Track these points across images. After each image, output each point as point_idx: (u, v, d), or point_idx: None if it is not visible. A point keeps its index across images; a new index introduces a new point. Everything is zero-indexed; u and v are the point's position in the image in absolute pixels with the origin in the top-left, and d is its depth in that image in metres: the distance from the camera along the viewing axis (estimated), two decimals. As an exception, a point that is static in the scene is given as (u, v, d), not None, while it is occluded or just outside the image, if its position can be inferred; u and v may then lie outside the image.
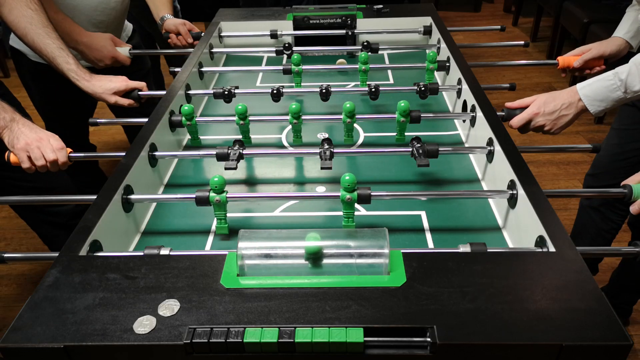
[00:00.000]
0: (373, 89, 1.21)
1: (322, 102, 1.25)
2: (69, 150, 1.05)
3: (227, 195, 0.86)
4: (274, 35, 1.61)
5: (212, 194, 0.86)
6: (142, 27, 2.08)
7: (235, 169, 0.97)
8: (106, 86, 1.24)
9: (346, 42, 1.60)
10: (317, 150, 0.99)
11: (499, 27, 1.70)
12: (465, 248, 0.74)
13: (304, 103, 1.34)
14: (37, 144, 1.01)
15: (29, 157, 1.02)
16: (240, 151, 0.99)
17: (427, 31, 1.62)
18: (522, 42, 1.59)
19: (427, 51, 1.38)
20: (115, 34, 1.53)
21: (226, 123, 1.25)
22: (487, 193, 0.97)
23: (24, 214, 1.56)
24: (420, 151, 0.96)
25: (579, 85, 1.06)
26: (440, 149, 0.97)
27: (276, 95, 1.23)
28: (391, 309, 0.61)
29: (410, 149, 0.99)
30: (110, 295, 0.64)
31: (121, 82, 1.26)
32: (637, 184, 0.85)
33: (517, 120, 1.08)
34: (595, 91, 1.03)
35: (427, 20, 1.64)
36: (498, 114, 1.07)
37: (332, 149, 0.98)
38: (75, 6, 1.40)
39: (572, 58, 1.35)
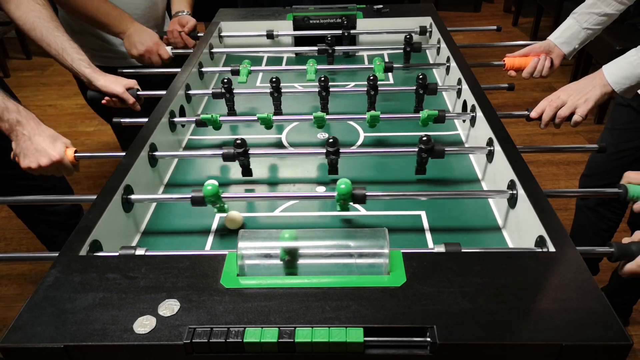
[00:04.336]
0: (372, 92, 1.20)
1: (321, 102, 1.24)
2: (74, 150, 1.04)
3: (223, 195, 0.86)
4: (270, 35, 1.61)
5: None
6: None
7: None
8: (117, 79, 1.26)
9: (342, 43, 1.59)
10: (318, 150, 0.99)
11: (495, 27, 1.70)
12: (439, 248, 0.73)
13: (303, 103, 1.34)
14: (35, 157, 1.00)
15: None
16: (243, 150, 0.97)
17: (423, 31, 1.61)
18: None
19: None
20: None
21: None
22: (487, 193, 0.97)
23: (21, 213, 1.56)
24: (424, 155, 0.94)
25: (604, 66, 1.07)
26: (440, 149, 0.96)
27: (275, 89, 1.21)
28: (391, 309, 0.61)
29: (417, 151, 0.95)
30: (110, 295, 0.64)
31: (128, 81, 1.28)
32: (633, 183, 0.85)
33: (539, 107, 1.08)
34: (620, 68, 1.04)
35: (427, 21, 1.64)
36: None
37: (337, 157, 0.96)
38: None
39: (514, 58, 1.37)
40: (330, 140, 0.93)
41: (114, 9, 1.40)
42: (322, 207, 0.97)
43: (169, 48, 1.48)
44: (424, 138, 0.92)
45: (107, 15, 1.39)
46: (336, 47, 1.51)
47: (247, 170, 1.00)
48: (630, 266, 0.74)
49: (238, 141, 0.95)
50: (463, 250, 0.73)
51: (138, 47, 1.42)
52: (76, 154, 1.04)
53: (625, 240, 0.76)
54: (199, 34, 1.60)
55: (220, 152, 0.98)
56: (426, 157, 0.95)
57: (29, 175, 1.04)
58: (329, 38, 1.49)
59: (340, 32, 1.58)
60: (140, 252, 0.75)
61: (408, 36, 1.47)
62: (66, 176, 1.03)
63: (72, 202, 1.01)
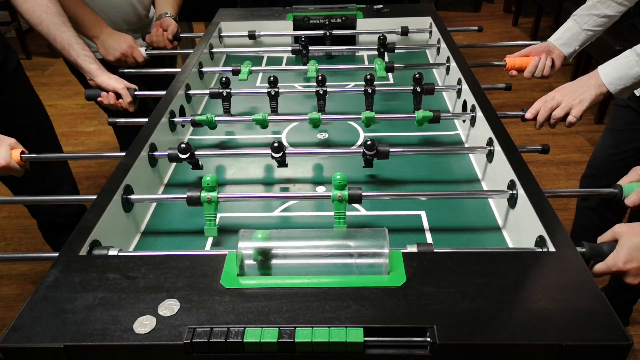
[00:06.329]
0: (370, 91, 1.20)
1: (319, 102, 1.24)
2: (20, 151, 1.01)
3: (219, 195, 0.85)
4: (252, 36, 1.61)
5: (203, 193, 0.85)
6: None
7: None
8: (118, 78, 1.27)
9: (324, 43, 1.59)
10: (317, 150, 0.99)
11: (476, 27, 1.71)
12: (412, 248, 0.73)
13: (304, 103, 1.34)
14: None
15: None
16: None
17: (404, 32, 1.60)
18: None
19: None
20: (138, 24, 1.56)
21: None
22: (487, 193, 0.97)
23: (35, 215, 1.56)
24: (369, 157, 0.96)
25: (599, 66, 1.07)
26: (440, 149, 0.97)
27: (273, 88, 1.22)
28: (391, 309, 0.61)
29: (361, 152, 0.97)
30: (110, 295, 0.64)
31: (129, 83, 1.29)
32: (629, 183, 0.85)
33: (534, 108, 1.09)
34: (615, 69, 1.04)
35: (427, 21, 1.64)
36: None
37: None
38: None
39: (515, 58, 1.37)
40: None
41: (91, 13, 1.42)
42: (322, 207, 0.97)
43: (143, 49, 1.48)
44: (368, 142, 0.94)
45: (82, 17, 1.41)
46: (311, 47, 1.51)
47: (196, 166, 1.01)
48: (599, 267, 0.74)
49: (183, 145, 0.96)
50: (463, 250, 0.73)
51: (113, 52, 1.44)
52: (22, 155, 1.01)
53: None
54: (181, 34, 1.60)
55: (220, 152, 0.98)
56: (371, 157, 0.96)
57: (33, 177, 1.04)
58: (303, 39, 1.50)
59: (343, 32, 1.58)
60: (113, 252, 0.75)
61: (382, 37, 1.48)
62: (16, 176, 1.03)
63: (72, 202, 1.00)
